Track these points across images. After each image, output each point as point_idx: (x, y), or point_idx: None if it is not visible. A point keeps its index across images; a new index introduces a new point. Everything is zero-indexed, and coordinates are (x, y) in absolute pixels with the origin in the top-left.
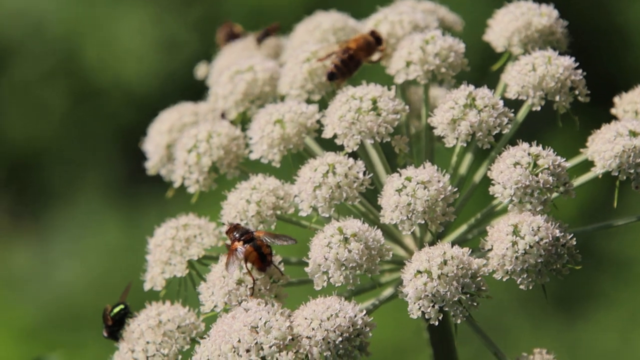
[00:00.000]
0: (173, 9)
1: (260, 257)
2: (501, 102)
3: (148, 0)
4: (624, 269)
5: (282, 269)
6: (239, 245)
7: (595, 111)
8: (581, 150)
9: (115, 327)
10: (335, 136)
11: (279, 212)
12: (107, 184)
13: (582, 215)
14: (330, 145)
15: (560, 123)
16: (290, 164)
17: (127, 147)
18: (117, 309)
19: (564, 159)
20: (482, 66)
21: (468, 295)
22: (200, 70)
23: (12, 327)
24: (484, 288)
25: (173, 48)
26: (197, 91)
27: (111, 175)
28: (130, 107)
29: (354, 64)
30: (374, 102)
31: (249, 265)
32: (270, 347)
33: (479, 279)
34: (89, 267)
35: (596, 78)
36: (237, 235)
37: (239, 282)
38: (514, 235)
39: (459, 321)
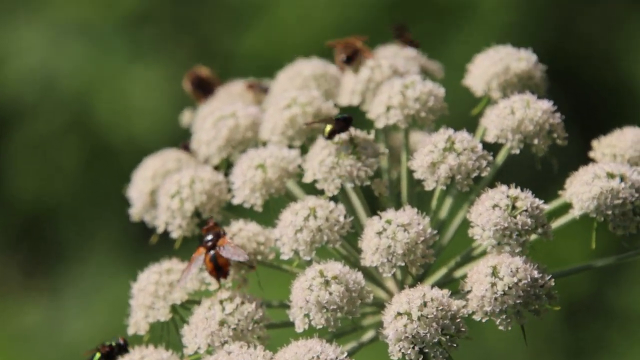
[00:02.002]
0: (186, 66)
1: (216, 269)
2: (480, 145)
3: (161, 57)
4: (634, 322)
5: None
6: (199, 254)
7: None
8: (560, 192)
9: None
10: (315, 180)
11: (259, 258)
12: (118, 240)
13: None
14: (312, 189)
15: (539, 165)
16: (271, 208)
17: None
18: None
19: (542, 201)
20: (464, 111)
21: (448, 337)
22: (185, 117)
23: None
24: (463, 329)
25: (186, 105)
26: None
27: (123, 232)
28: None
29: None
30: (354, 146)
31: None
32: None
33: (458, 320)
34: (100, 324)
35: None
36: (207, 239)
37: (222, 323)
38: (493, 277)
39: None
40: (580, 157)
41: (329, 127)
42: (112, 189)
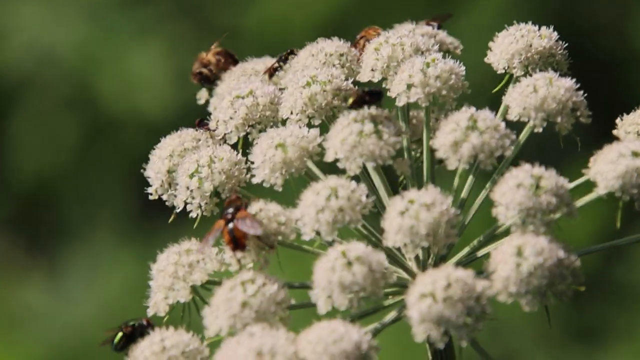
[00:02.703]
0: (187, 41)
1: (233, 242)
2: (503, 124)
3: (163, 32)
4: None
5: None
6: (219, 226)
7: (598, 132)
8: (583, 171)
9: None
10: (337, 160)
11: (280, 238)
12: (121, 217)
13: (600, 240)
14: (332, 168)
15: (562, 144)
16: (292, 187)
17: (142, 179)
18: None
19: (567, 180)
20: (483, 88)
21: (473, 318)
22: (201, 95)
23: None
24: (488, 311)
25: (187, 80)
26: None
27: (125, 209)
28: (145, 137)
29: None
30: (376, 125)
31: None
32: None
33: (484, 301)
34: (103, 303)
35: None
36: (227, 212)
37: (244, 305)
38: (518, 257)
39: (464, 344)
40: (588, 129)
41: (354, 96)
42: (114, 164)
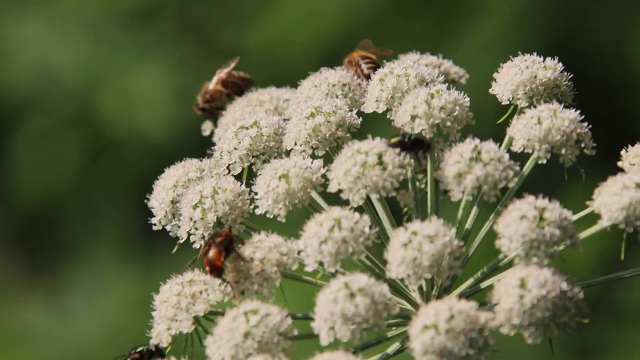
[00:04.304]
0: (189, 62)
1: (209, 265)
2: (507, 156)
3: (165, 52)
4: None
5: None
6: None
7: (603, 164)
8: (588, 202)
9: None
10: (340, 190)
11: (282, 269)
12: (123, 237)
13: (598, 268)
14: (335, 199)
15: (567, 176)
16: (296, 218)
17: (143, 198)
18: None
19: (570, 212)
20: (499, 117)
21: (476, 350)
22: (206, 127)
23: None
24: (491, 343)
25: (189, 100)
26: (210, 142)
27: (127, 228)
28: (147, 158)
29: None
30: (380, 156)
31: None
32: None
33: (487, 333)
34: (104, 322)
35: (613, 129)
36: (210, 240)
37: (246, 335)
38: (521, 289)
39: None
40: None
41: (397, 139)
42: (116, 183)
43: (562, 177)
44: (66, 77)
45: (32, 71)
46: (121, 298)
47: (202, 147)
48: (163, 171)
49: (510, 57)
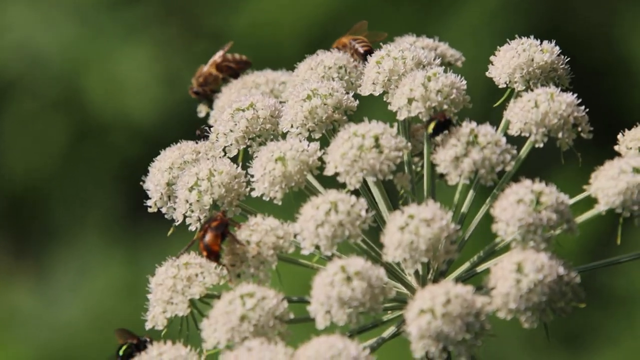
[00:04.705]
0: (175, 45)
1: (206, 250)
2: (504, 139)
3: (151, 35)
4: (629, 306)
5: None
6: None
7: (599, 148)
8: (584, 187)
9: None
10: (337, 174)
11: (279, 252)
12: (108, 220)
13: (584, 251)
14: (332, 182)
15: (563, 160)
16: (292, 201)
17: (129, 181)
18: (123, 349)
19: (567, 196)
20: (485, 102)
21: (472, 334)
22: (202, 109)
23: None
24: (487, 327)
25: (175, 82)
26: (199, 124)
27: (113, 212)
28: (133, 141)
29: None
30: (376, 139)
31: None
32: None
33: (483, 317)
34: (91, 306)
35: (599, 114)
36: (206, 224)
37: (242, 319)
38: (518, 273)
39: None
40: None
41: (432, 125)
42: (102, 166)
43: (549, 160)
44: (51, 59)
45: (17, 53)
46: (107, 281)
47: (188, 130)
48: (149, 154)
49: (496, 43)
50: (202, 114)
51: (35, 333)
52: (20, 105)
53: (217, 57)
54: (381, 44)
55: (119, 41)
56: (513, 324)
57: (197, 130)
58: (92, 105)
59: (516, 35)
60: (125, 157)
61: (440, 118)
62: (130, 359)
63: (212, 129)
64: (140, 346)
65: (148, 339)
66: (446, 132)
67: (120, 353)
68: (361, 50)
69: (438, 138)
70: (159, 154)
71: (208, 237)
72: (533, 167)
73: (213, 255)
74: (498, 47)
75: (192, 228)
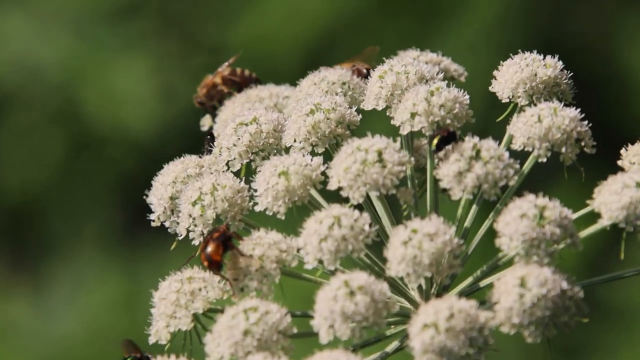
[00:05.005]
0: (172, 58)
1: (208, 260)
2: (507, 154)
3: (148, 48)
4: (627, 319)
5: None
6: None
7: (601, 162)
8: (587, 201)
9: None
10: (340, 188)
11: (282, 266)
12: (105, 233)
13: (583, 264)
14: (335, 197)
15: (566, 174)
16: (295, 216)
17: (126, 194)
18: None
19: (571, 211)
20: (482, 115)
21: (475, 349)
22: (205, 122)
23: None
24: (490, 341)
25: (172, 96)
26: (197, 138)
27: (110, 225)
28: (130, 154)
29: None
30: (380, 154)
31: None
32: None
33: (486, 332)
34: (87, 319)
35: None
36: (207, 236)
37: (246, 333)
38: (521, 288)
39: None
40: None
41: (436, 140)
42: (99, 179)
43: (553, 175)
44: (49, 72)
45: (15, 66)
46: (103, 295)
47: (185, 143)
48: (145, 167)
49: (493, 56)
50: (205, 128)
51: (32, 346)
52: (18, 118)
53: (224, 69)
54: (384, 58)
55: (116, 54)
56: (513, 338)
57: (205, 140)
58: (89, 118)
59: (519, 50)
60: (122, 170)
61: (443, 133)
62: None
63: (215, 143)
64: None
65: (150, 356)
66: (449, 146)
67: None
68: (364, 70)
69: (441, 153)
70: (155, 167)
71: (210, 247)
72: (535, 178)
73: (214, 265)
74: (496, 60)
75: (195, 242)
